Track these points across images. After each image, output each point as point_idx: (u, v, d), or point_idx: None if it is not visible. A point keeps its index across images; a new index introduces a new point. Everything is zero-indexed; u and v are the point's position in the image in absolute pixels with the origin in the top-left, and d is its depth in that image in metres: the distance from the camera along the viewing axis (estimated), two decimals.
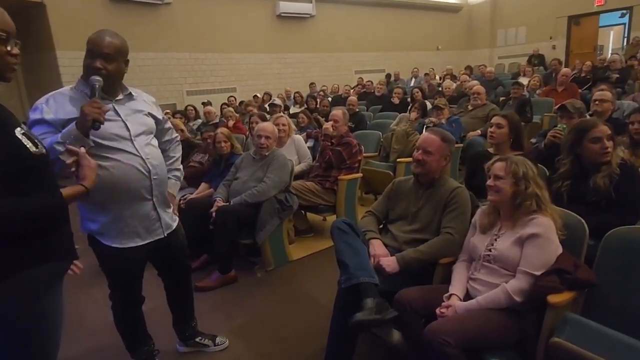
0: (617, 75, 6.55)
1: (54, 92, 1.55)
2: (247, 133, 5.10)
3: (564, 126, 2.68)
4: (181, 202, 3.02)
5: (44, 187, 1.12)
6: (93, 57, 1.51)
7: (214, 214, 2.80)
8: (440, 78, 9.35)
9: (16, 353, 1.13)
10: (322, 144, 3.63)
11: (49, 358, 1.20)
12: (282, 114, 4.07)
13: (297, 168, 3.58)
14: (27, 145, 1.07)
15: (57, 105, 1.50)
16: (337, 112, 3.63)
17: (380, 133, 4.58)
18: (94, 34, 1.54)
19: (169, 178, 1.83)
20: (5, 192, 1.01)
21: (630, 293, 1.47)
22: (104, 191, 1.48)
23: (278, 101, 7.16)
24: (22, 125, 1.13)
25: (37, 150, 1.10)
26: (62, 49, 6.87)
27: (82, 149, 1.24)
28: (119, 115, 1.58)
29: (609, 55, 9.62)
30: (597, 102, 3.05)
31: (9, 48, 1.07)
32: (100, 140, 1.50)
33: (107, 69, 1.52)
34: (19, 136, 1.07)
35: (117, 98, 1.61)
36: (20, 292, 1.09)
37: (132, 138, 1.59)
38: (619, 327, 1.35)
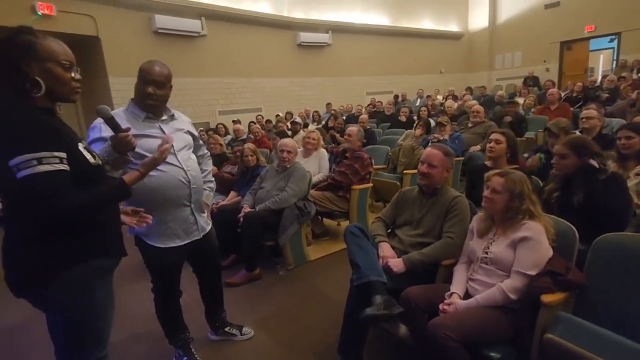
0: (607, 95, 6.39)
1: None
2: (271, 148, 5.17)
3: (542, 156, 2.71)
4: (213, 207, 3.07)
5: None
6: (145, 84, 1.57)
7: (241, 218, 2.83)
8: (443, 98, 9.30)
9: (70, 337, 1.17)
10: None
11: (99, 342, 1.23)
12: (315, 130, 4.10)
13: (315, 178, 3.60)
14: (88, 157, 1.14)
15: None
16: (353, 128, 3.68)
17: (389, 148, 4.57)
18: (146, 64, 1.59)
19: (204, 189, 1.87)
20: None
21: (618, 295, 1.43)
22: (151, 197, 1.54)
23: (299, 119, 7.24)
24: (83, 141, 1.19)
25: (94, 161, 1.17)
26: (113, 76, 7.11)
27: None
28: (164, 133, 1.63)
29: (599, 76, 9.42)
30: (584, 120, 3.01)
31: (72, 74, 1.14)
32: (148, 154, 1.53)
33: (157, 94, 1.58)
34: (81, 149, 1.13)
35: (162, 118, 1.67)
36: (75, 283, 1.13)
37: (176, 152, 1.63)
38: (608, 326, 1.33)
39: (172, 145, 1.63)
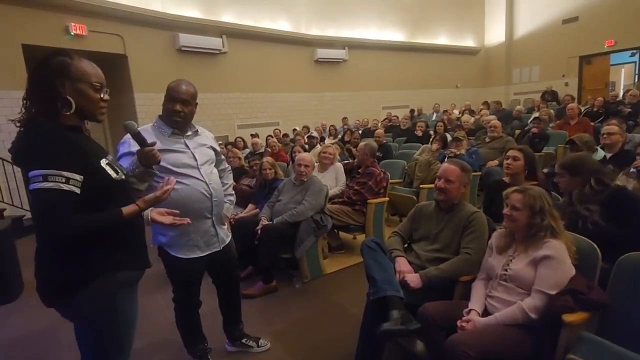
0: (630, 109, 6.23)
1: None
2: (289, 161, 5.23)
3: None
4: (231, 219, 3.11)
5: (123, 204, 1.19)
6: (173, 102, 1.64)
7: (259, 231, 2.86)
8: (459, 113, 9.23)
9: (95, 346, 1.21)
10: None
11: (122, 350, 1.26)
12: (331, 145, 4.17)
13: (332, 192, 3.62)
14: (110, 173, 1.17)
15: None
16: (360, 144, 3.77)
17: (405, 162, 4.57)
18: (173, 82, 1.67)
19: (224, 202, 1.91)
20: (89, 208, 1.10)
21: None
22: (175, 209, 1.58)
23: (315, 134, 7.32)
24: (108, 157, 1.22)
25: (117, 176, 1.20)
26: (138, 91, 7.31)
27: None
28: (189, 148, 1.70)
29: (622, 91, 9.19)
30: (605, 135, 2.96)
31: (102, 95, 1.19)
32: (173, 168, 1.61)
33: (184, 111, 1.65)
34: (104, 165, 1.17)
35: (187, 134, 1.73)
36: (100, 295, 1.16)
37: (199, 167, 1.69)
38: (632, 347, 1.28)
39: (196, 159, 1.69)
